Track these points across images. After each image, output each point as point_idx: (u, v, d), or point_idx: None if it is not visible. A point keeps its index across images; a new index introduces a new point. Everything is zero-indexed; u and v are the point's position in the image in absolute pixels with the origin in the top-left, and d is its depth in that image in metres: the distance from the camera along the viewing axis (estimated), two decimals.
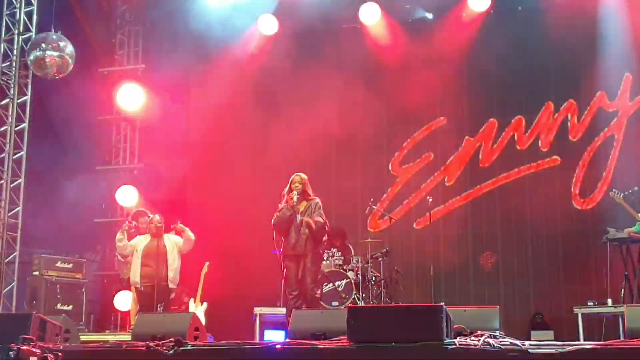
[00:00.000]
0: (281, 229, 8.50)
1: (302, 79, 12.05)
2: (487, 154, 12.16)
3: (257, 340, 9.59)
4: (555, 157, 11.85)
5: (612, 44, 11.46)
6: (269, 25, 12.45)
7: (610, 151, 11.60)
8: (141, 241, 9.52)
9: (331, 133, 12.00)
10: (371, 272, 10.69)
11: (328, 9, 12.06)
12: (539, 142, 11.95)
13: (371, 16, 12.23)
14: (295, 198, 8.52)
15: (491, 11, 12.05)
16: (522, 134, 12.05)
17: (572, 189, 11.66)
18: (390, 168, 12.50)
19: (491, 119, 12.19)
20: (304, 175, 8.71)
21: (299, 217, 8.50)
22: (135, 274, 9.33)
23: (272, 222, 8.51)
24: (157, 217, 9.54)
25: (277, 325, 10.26)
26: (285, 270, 8.50)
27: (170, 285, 9.36)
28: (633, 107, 11.63)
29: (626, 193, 10.02)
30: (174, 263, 9.38)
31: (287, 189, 8.65)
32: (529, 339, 9.28)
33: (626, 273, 9.56)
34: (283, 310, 9.89)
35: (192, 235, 9.43)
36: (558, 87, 11.97)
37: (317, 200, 8.63)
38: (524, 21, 12.04)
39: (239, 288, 11.22)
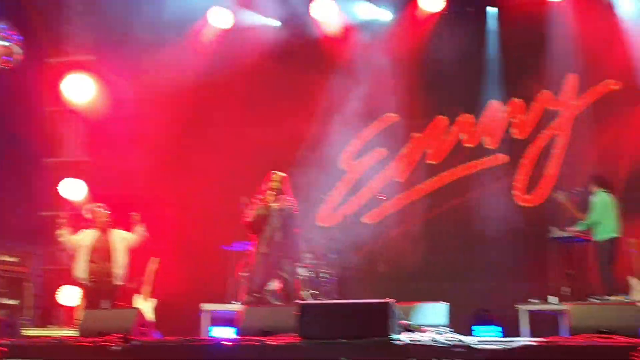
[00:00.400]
0: (256, 228, 8.42)
1: (254, 73, 12.02)
2: (436, 151, 12.31)
3: (203, 336, 9.55)
4: (501, 154, 12.06)
5: (557, 45, 11.71)
6: (221, 18, 12.36)
7: (555, 150, 11.84)
8: (88, 236, 9.39)
9: (284, 128, 11.98)
10: (322, 268, 10.72)
11: (282, 2, 12.06)
12: (487, 139, 12.14)
13: (324, 12, 12.24)
14: (272, 197, 8.43)
15: (444, 12, 12.15)
16: (470, 131, 12.23)
17: (518, 187, 11.87)
18: (341, 163, 12.54)
19: (440, 116, 12.34)
20: (282, 174, 8.65)
21: (274, 217, 8.43)
22: (80, 269, 9.21)
23: (248, 220, 8.42)
24: (101, 211, 9.42)
25: (226, 322, 10.21)
26: (255, 266, 8.39)
27: (116, 282, 9.25)
28: (577, 107, 11.88)
29: (569, 193, 10.26)
30: (120, 259, 9.28)
31: (264, 185, 8.56)
32: (471, 334, 9.46)
33: (568, 271, 9.77)
34: (232, 307, 9.86)
35: (143, 231, 9.36)
36: (505, 86, 12.14)
37: (292, 204, 8.55)
38: (475, 21, 12.23)
39: (189, 284, 11.14)
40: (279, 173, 8.62)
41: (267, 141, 12.14)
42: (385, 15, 12.54)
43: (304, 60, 12.31)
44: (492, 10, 12.25)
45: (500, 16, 12.18)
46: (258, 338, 5.92)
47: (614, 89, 11.65)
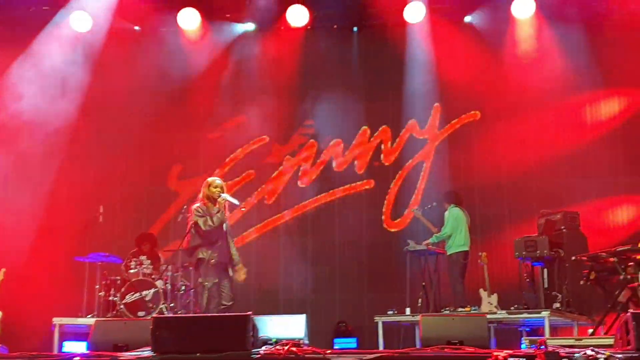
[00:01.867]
0: (212, 237, 8.08)
1: (109, 79, 11.72)
2: (306, 175, 12.41)
3: (55, 352, 9.15)
4: (369, 180, 12.33)
5: (421, 74, 12.12)
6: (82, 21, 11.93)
7: (419, 176, 12.24)
8: None
9: (146, 140, 11.76)
10: (181, 281, 10.54)
11: (149, 10, 11.83)
12: (355, 165, 12.37)
13: (191, 22, 12.07)
14: (226, 205, 8.15)
15: (309, 27, 12.26)
16: (339, 156, 12.42)
17: (384, 211, 12.18)
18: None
19: (311, 141, 12.48)
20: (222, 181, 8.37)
21: (225, 225, 8.16)
22: None
23: (203, 229, 7.97)
24: None
25: (78, 336, 9.83)
26: (220, 280, 7.98)
27: None
28: (440, 136, 12.34)
29: (425, 208, 10.64)
30: None
31: (202, 194, 8.18)
32: (333, 347, 9.59)
33: (423, 283, 10.10)
34: (86, 321, 9.52)
35: None
36: (373, 112, 12.45)
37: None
38: (340, 40, 12.45)
39: (40, 297, 10.64)
40: (219, 179, 8.34)
41: (122, 152, 11.91)
42: (253, 27, 12.48)
43: (166, 72, 12.04)
44: (355, 31, 12.54)
45: (363, 37, 12.49)
46: (109, 353, 5.73)
47: (475, 119, 12.20)
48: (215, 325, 5.94)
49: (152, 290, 10.05)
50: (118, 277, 10.24)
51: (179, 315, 9.73)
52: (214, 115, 12.39)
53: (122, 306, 9.85)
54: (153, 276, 10.25)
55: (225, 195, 8.18)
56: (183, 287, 10.53)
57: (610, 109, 11.96)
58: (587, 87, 11.89)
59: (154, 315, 8.99)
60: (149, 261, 10.39)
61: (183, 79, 12.10)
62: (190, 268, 10.60)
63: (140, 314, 9.82)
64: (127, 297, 9.94)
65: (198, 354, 5.60)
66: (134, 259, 10.38)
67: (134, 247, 10.88)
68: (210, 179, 8.30)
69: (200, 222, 7.96)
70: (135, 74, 11.77)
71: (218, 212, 8.06)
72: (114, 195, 11.99)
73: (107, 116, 11.98)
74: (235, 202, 8.35)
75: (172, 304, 10.18)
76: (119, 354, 5.76)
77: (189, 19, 12.05)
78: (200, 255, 7.99)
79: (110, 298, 10.09)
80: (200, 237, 8.03)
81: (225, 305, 7.85)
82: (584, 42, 11.68)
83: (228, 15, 12.28)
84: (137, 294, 9.98)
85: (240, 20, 12.35)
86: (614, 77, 11.76)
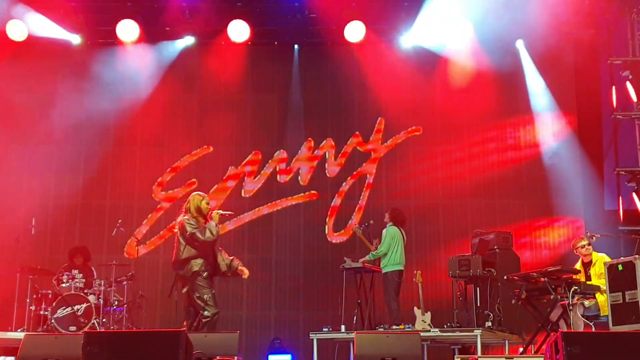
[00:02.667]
0: (208, 248, 8.11)
1: (41, 90, 11.61)
2: (250, 185, 12.37)
3: None
4: (313, 191, 12.37)
5: (366, 88, 12.31)
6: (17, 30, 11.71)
7: (363, 189, 12.34)
8: None
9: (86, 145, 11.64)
10: (114, 295, 10.37)
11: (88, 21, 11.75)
12: (299, 176, 12.41)
13: (130, 34, 11.95)
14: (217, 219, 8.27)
15: (250, 42, 12.29)
16: (284, 167, 12.44)
17: (327, 223, 12.24)
18: (152, 193, 12.25)
19: (255, 151, 12.45)
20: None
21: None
22: None
23: (202, 239, 8.00)
24: None
25: (7, 351, 9.55)
26: (213, 291, 8.03)
27: None
28: (384, 150, 12.48)
29: (364, 226, 10.72)
30: None
31: (193, 207, 8.18)
32: None
33: (359, 301, 10.14)
34: (15, 335, 9.27)
35: None
36: (319, 125, 12.54)
37: None
38: (279, 57, 12.53)
39: None
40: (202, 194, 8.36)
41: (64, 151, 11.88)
42: (192, 41, 12.46)
43: (103, 85, 11.90)
44: (297, 47, 12.63)
45: (303, 53, 12.60)
46: None
47: (416, 134, 12.40)
48: (147, 340, 5.88)
49: (84, 305, 9.87)
50: (49, 291, 10.04)
51: (111, 330, 9.57)
52: (154, 127, 12.27)
53: (53, 321, 9.65)
54: (85, 290, 10.07)
55: (219, 211, 8.40)
56: (116, 302, 10.37)
57: (541, 132, 12.31)
58: (520, 111, 12.25)
59: (86, 330, 8.82)
60: (81, 275, 10.21)
61: (119, 93, 11.99)
62: (128, 282, 10.46)
63: (72, 328, 9.63)
64: (58, 311, 9.75)
65: None
66: (66, 272, 10.18)
67: (67, 260, 10.68)
68: (200, 194, 8.39)
69: (198, 233, 8.00)
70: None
71: (213, 225, 8.16)
72: (46, 208, 11.75)
73: (38, 128, 11.86)
74: (228, 213, 8.71)
75: (104, 320, 10.01)
76: None
77: (128, 31, 11.92)
78: (195, 269, 8.00)
79: (41, 312, 9.88)
80: (196, 248, 8.04)
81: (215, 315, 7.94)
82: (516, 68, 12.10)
83: (167, 29, 12.17)
84: (69, 309, 9.78)
85: (179, 34, 12.29)
86: (545, 101, 12.19)
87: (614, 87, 11.57)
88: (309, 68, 12.58)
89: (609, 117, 11.70)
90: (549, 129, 12.30)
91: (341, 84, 12.41)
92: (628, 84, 11.49)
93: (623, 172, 11.46)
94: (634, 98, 11.46)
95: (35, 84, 11.67)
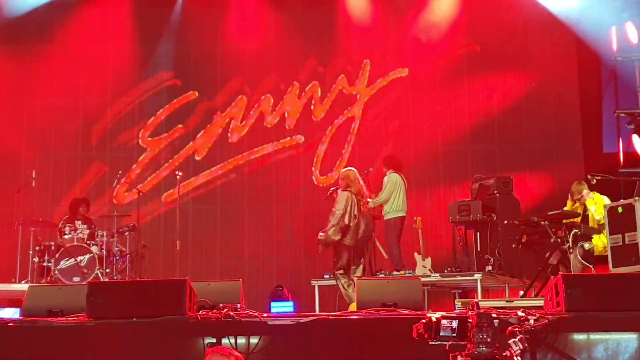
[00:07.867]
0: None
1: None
2: (236, 130, 12.34)
3: None
4: (299, 136, 12.34)
5: (351, 30, 12.23)
6: None
7: (349, 132, 12.30)
8: None
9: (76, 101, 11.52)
10: (117, 246, 10.43)
11: None
12: (285, 120, 12.36)
13: None
14: None
15: None
16: (269, 112, 12.38)
17: (314, 166, 12.23)
18: (139, 140, 12.23)
19: (241, 96, 12.37)
20: None
21: None
22: None
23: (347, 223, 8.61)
24: None
25: (12, 302, 9.64)
26: None
27: None
28: (369, 92, 12.41)
29: (363, 173, 10.70)
30: None
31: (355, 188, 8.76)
32: (269, 310, 9.66)
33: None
34: (19, 287, 9.36)
35: None
36: (303, 68, 12.44)
37: None
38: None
39: None
40: None
41: (58, 115, 11.80)
42: None
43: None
44: None
45: None
46: (42, 319, 5.65)
47: (402, 76, 12.31)
48: (151, 290, 5.92)
49: (88, 256, 9.93)
50: (52, 243, 10.08)
51: (115, 280, 9.65)
52: (135, 75, 12.25)
53: (56, 272, 9.71)
54: (88, 241, 10.12)
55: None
56: (119, 253, 10.43)
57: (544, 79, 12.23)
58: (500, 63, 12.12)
59: (89, 280, 8.89)
60: (85, 226, 10.26)
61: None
62: (130, 232, 10.51)
63: (76, 279, 9.70)
64: (61, 262, 9.81)
65: (134, 319, 5.58)
66: (68, 224, 10.22)
67: (68, 212, 10.71)
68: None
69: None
70: None
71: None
72: (46, 160, 11.76)
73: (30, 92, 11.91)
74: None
75: (107, 270, 10.08)
76: (53, 319, 5.69)
77: None
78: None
79: (45, 264, 9.94)
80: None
81: None
82: None
83: None
84: (72, 260, 9.84)
85: None
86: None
87: (614, 28, 11.41)
88: (296, 8, 12.40)
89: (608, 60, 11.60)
90: (551, 75, 12.22)
91: (325, 24, 12.31)
92: (629, 24, 11.32)
93: (623, 114, 11.40)
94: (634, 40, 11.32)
95: None
